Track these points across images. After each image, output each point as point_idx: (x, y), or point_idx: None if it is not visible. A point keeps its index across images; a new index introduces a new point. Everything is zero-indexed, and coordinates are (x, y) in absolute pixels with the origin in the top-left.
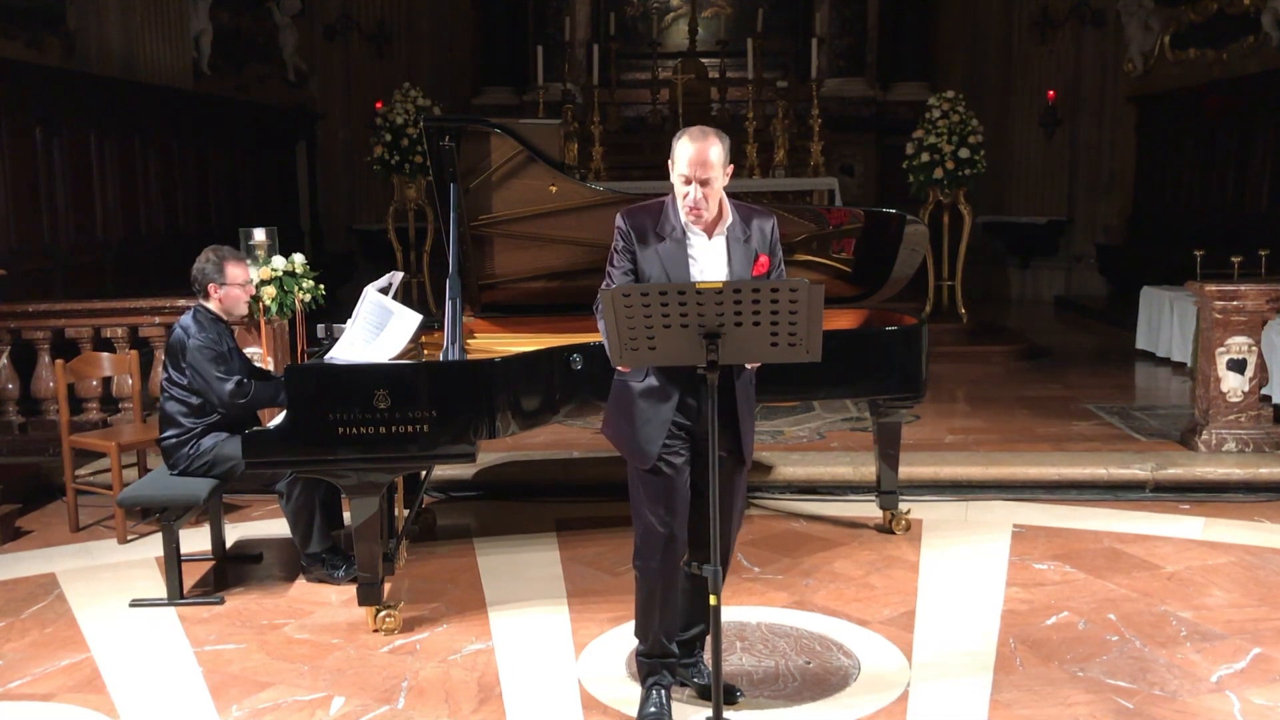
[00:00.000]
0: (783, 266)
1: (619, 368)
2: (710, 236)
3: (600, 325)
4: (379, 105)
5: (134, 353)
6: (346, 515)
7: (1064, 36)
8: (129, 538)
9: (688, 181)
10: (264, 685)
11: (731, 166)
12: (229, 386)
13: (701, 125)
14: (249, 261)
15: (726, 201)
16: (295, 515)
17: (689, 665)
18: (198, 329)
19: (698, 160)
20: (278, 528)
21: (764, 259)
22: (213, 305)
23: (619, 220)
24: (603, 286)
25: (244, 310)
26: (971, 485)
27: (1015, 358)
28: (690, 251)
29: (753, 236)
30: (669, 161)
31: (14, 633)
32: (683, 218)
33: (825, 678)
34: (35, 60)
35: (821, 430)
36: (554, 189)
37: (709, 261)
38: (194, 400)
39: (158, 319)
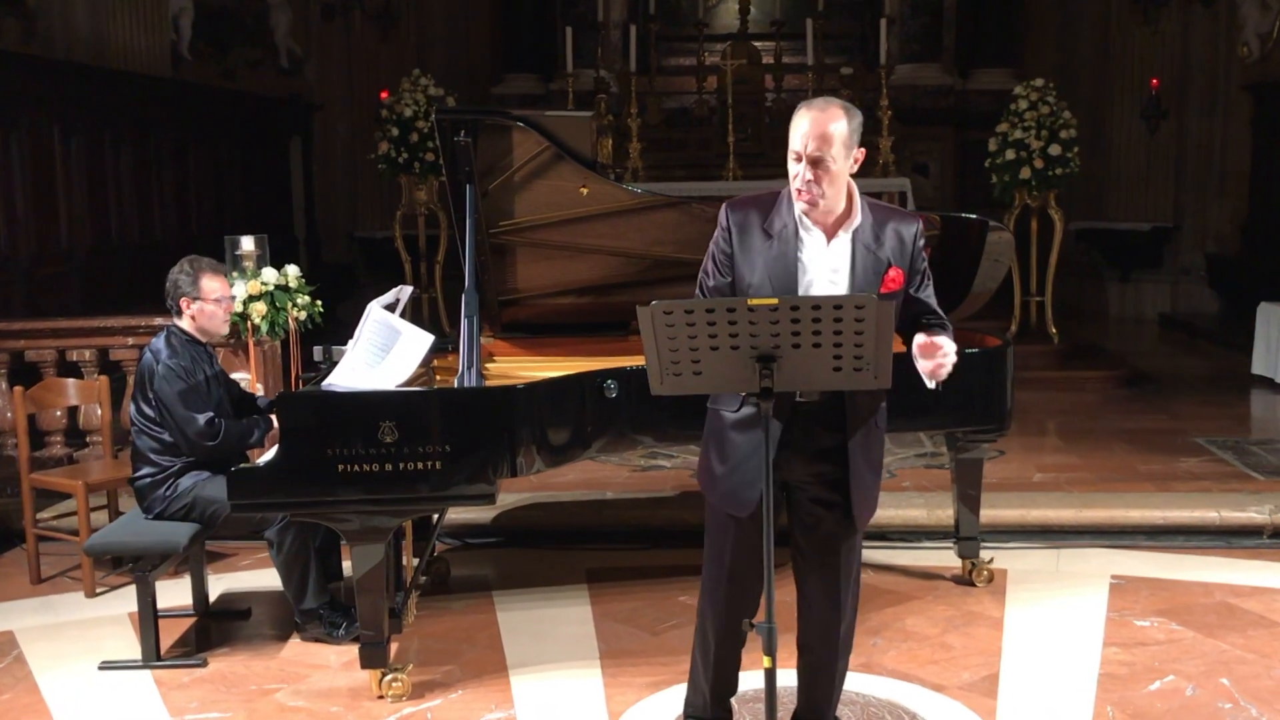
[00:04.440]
0: (930, 286)
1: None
2: (830, 238)
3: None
4: (384, 95)
5: (103, 379)
6: (347, 565)
7: (1170, 17)
8: (98, 591)
9: (798, 159)
10: None
11: (863, 151)
12: (196, 425)
13: (826, 96)
14: (235, 275)
15: (858, 198)
16: (288, 565)
17: None
18: (168, 353)
19: (814, 133)
20: (268, 579)
21: (896, 273)
22: (186, 324)
23: (721, 214)
24: (697, 294)
25: (223, 330)
26: (1063, 530)
27: (1113, 384)
28: (801, 254)
29: (886, 244)
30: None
31: None
32: (797, 210)
33: None
34: None
35: (891, 467)
36: (585, 191)
37: (824, 268)
38: (168, 436)
39: (131, 340)
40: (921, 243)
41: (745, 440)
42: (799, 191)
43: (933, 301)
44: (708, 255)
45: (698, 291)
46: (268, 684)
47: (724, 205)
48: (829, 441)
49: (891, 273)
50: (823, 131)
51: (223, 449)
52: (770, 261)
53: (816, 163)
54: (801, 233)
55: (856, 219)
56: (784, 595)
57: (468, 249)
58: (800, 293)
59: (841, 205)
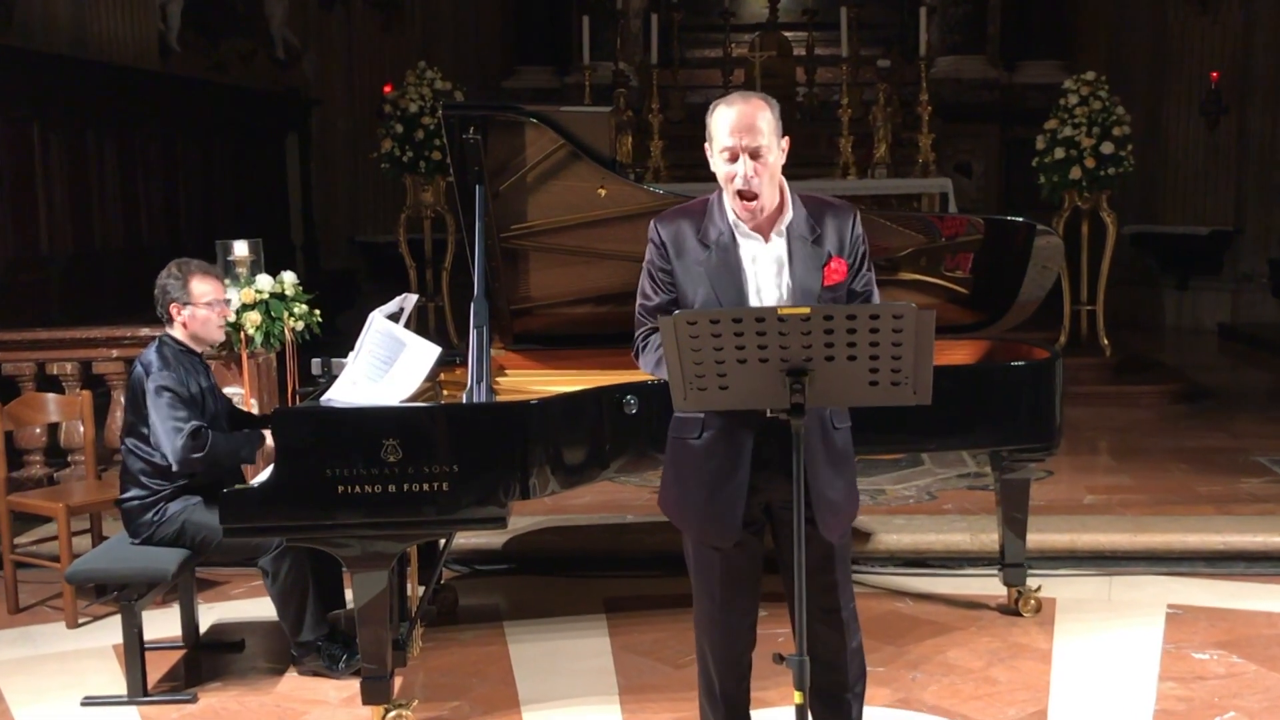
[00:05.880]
0: (871, 276)
1: (679, 413)
2: (767, 238)
3: (645, 365)
4: (388, 89)
5: (86, 393)
6: (348, 593)
7: (1230, 5)
8: (80, 621)
9: (733, 157)
10: None
11: (788, 140)
12: (181, 435)
13: (742, 91)
14: (227, 282)
15: (788, 191)
16: (284, 594)
17: None
18: (159, 365)
19: (743, 124)
20: (263, 608)
21: (838, 263)
22: (178, 333)
23: (651, 230)
24: (637, 317)
25: (218, 336)
26: (1116, 556)
27: (1170, 399)
28: (743, 259)
29: (825, 235)
30: (705, 145)
31: None
32: (730, 215)
33: None
34: None
35: (932, 489)
36: (603, 192)
37: (769, 269)
38: (159, 457)
39: (115, 352)
40: (859, 233)
41: (719, 466)
42: (742, 192)
43: (875, 296)
44: (643, 277)
45: (638, 318)
46: None
47: (652, 222)
48: (804, 455)
49: (833, 264)
50: (753, 122)
51: (210, 463)
52: (713, 272)
53: (755, 154)
54: (739, 237)
55: (789, 214)
56: (774, 628)
57: (477, 254)
58: (751, 299)
59: (775, 201)
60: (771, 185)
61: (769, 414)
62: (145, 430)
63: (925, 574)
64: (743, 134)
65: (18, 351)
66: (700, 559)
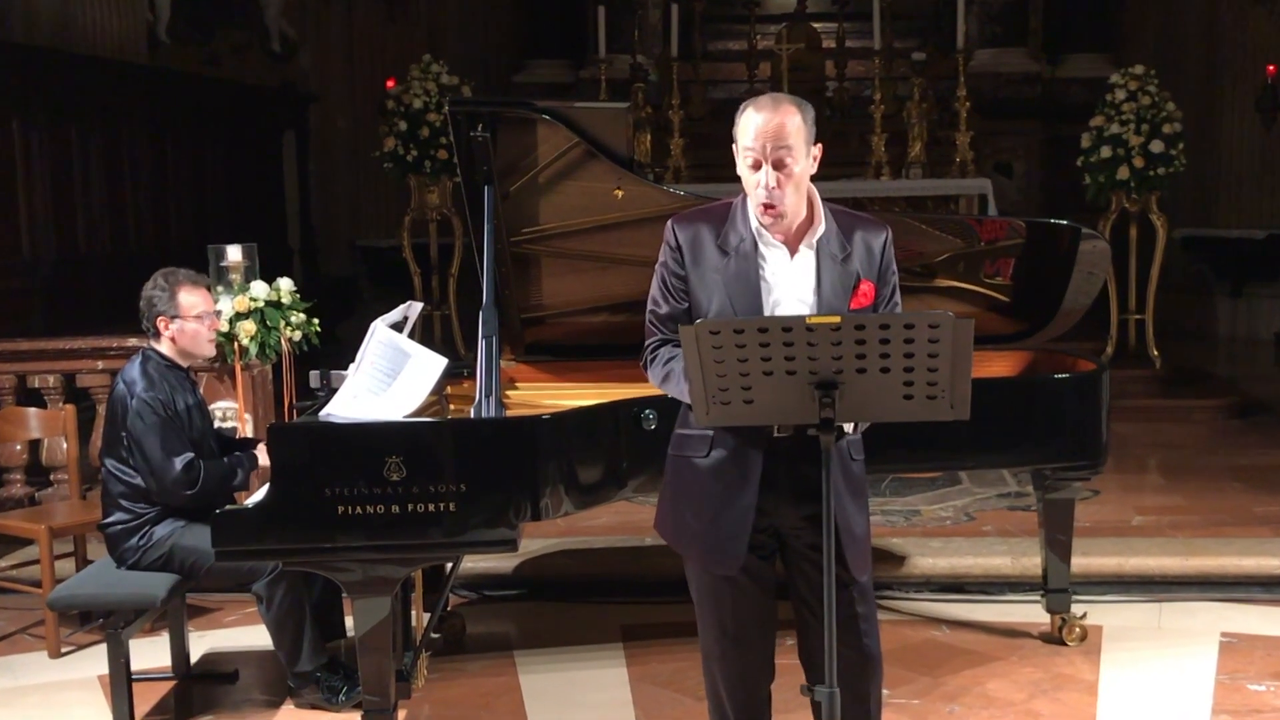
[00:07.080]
0: (898, 299)
1: (696, 426)
2: (793, 251)
3: (653, 379)
4: (391, 84)
5: (70, 408)
6: (348, 620)
7: None
8: (63, 650)
9: (757, 165)
10: None
11: (820, 148)
12: (173, 472)
13: (770, 94)
14: (220, 290)
15: (819, 203)
16: (280, 622)
17: None
18: (144, 383)
19: (769, 131)
20: (257, 637)
21: (867, 286)
22: (165, 347)
23: (668, 231)
24: (647, 325)
25: (209, 350)
26: (1167, 581)
27: (1224, 414)
28: (764, 271)
29: (854, 254)
30: (733, 145)
31: None
32: (754, 222)
33: None
34: None
35: (970, 510)
36: (620, 193)
37: (789, 286)
38: (141, 480)
39: (101, 364)
40: (890, 254)
41: (724, 488)
42: (764, 206)
43: None
44: (655, 282)
45: (648, 326)
46: None
47: (669, 222)
48: (814, 478)
49: (862, 286)
50: (779, 130)
51: (201, 497)
52: (729, 281)
53: (779, 165)
54: (762, 247)
55: (820, 227)
56: (795, 657)
57: (485, 259)
58: (766, 314)
59: (803, 213)
60: (798, 195)
61: (776, 433)
62: (125, 452)
63: (963, 600)
64: (767, 141)
65: None
66: (708, 588)
